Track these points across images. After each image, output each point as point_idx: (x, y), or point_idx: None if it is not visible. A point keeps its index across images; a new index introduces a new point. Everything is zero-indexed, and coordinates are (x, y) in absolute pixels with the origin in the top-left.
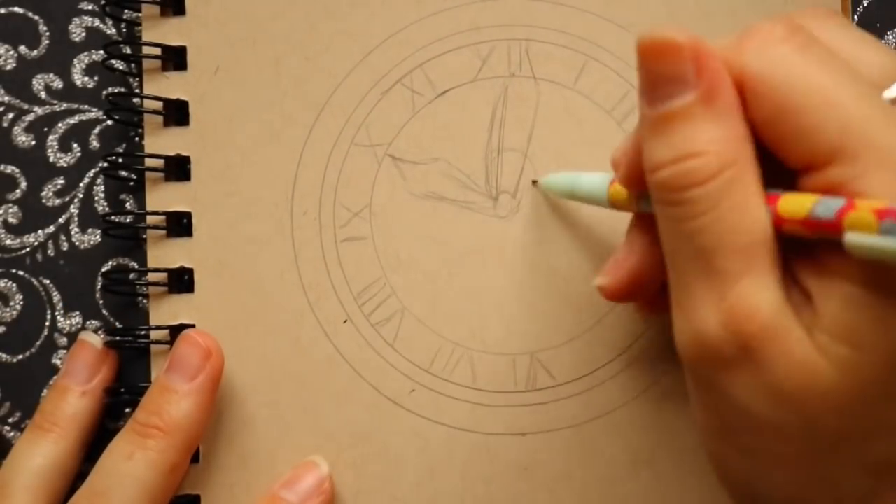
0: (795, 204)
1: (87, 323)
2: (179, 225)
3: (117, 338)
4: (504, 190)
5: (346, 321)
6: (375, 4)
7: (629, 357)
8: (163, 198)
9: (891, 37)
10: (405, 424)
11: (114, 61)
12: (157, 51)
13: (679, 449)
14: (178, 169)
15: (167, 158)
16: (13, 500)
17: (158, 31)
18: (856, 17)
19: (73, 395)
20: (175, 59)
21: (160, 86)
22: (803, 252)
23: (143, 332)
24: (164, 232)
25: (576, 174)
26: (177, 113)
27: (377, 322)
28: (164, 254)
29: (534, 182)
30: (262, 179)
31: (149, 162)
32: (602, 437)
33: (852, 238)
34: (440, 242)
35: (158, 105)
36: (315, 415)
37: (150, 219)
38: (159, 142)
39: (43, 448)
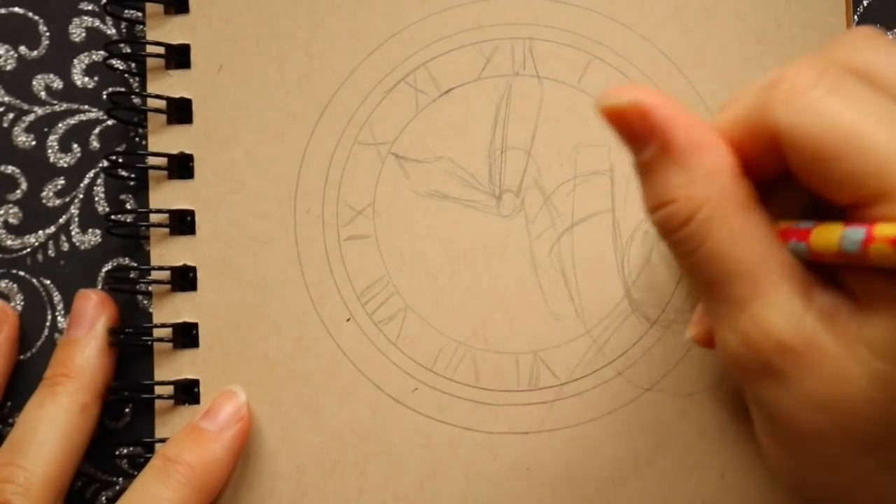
0: (825, 239)
1: None
2: (182, 223)
3: (120, 336)
4: (507, 188)
5: (348, 319)
6: (379, 3)
7: (632, 356)
8: (166, 196)
9: (891, 37)
10: (408, 423)
11: (114, 61)
12: (161, 49)
13: (681, 449)
14: (181, 167)
15: (170, 156)
16: (29, 457)
17: (162, 30)
18: (856, 17)
19: (79, 344)
20: (178, 57)
21: (163, 84)
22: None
23: (145, 331)
24: (167, 230)
25: None
26: (180, 111)
27: (380, 320)
28: (167, 252)
29: (645, 231)
30: (265, 177)
31: (152, 160)
32: (604, 436)
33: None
34: (443, 241)
35: (162, 103)
36: (317, 413)
37: (153, 217)
38: (163, 140)
39: (57, 401)
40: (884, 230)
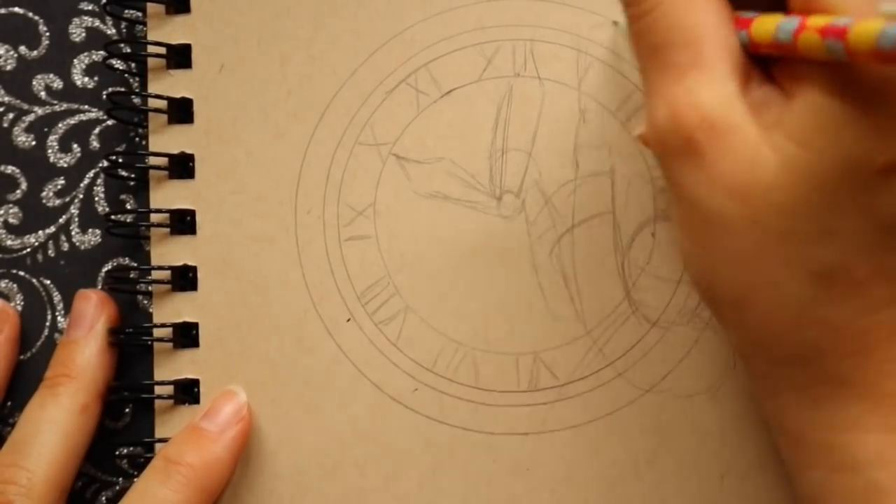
0: (763, 29)
1: None
2: (183, 223)
3: (121, 336)
4: (508, 190)
5: (349, 320)
6: (381, 3)
7: (632, 358)
8: (167, 196)
9: None
10: (408, 423)
11: (114, 61)
12: (162, 49)
13: (681, 450)
14: (181, 167)
15: (171, 156)
16: (31, 458)
17: (163, 30)
18: None
19: (79, 344)
20: (179, 56)
21: (165, 84)
22: (787, 61)
23: (146, 331)
24: (167, 230)
25: None
26: (181, 111)
27: (380, 321)
28: (168, 251)
29: (615, 23)
30: (266, 178)
31: (152, 160)
32: (604, 438)
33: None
34: (444, 242)
35: (163, 103)
36: (318, 413)
37: (153, 217)
38: (164, 140)
39: (58, 402)
40: (815, 21)
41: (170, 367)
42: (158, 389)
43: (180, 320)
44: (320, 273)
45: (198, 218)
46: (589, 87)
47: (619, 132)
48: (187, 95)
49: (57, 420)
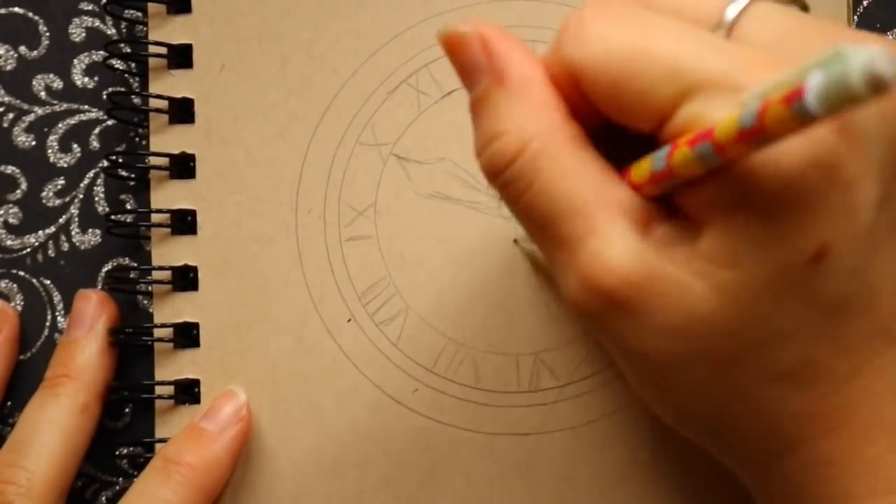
0: (641, 170)
1: None
2: (184, 223)
3: (121, 336)
4: None
5: (349, 320)
6: (382, 4)
7: None
8: (167, 196)
9: (891, 37)
10: (408, 424)
11: (114, 61)
12: (163, 49)
13: (681, 451)
14: (182, 167)
15: (172, 156)
16: (31, 458)
17: (164, 30)
18: (856, 17)
19: (79, 345)
20: (180, 56)
21: (165, 83)
22: (684, 190)
23: (146, 331)
24: (168, 230)
25: None
26: (182, 111)
27: (381, 321)
28: (169, 251)
29: (515, 241)
30: (267, 177)
31: (153, 160)
32: (604, 438)
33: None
34: (445, 242)
35: (163, 103)
36: (318, 413)
37: (154, 217)
38: (164, 139)
39: (58, 402)
40: (683, 137)
41: (170, 367)
42: (159, 389)
43: (181, 320)
44: (321, 273)
45: (198, 218)
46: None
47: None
48: (188, 95)
49: (57, 420)
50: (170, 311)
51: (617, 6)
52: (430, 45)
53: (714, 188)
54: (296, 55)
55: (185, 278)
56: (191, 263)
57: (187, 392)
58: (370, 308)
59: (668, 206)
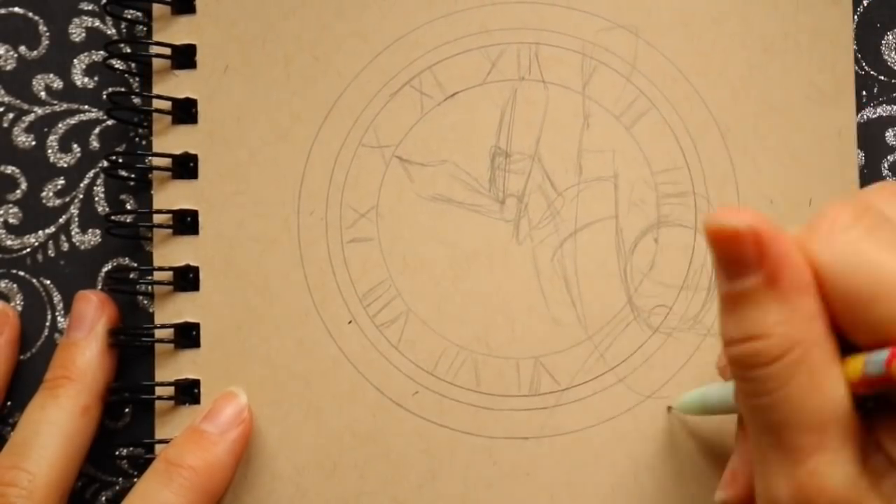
0: (851, 369)
1: None
2: (185, 223)
3: (121, 336)
4: (511, 193)
5: (350, 322)
6: (386, 6)
7: (633, 363)
8: (170, 196)
9: (891, 37)
10: (408, 426)
11: (115, 61)
12: (167, 50)
13: (680, 456)
14: (185, 167)
15: (174, 157)
16: (32, 460)
17: (169, 30)
18: (856, 17)
19: (80, 346)
20: (184, 57)
21: (169, 84)
22: (892, 421)
23: (147, 331)
24: (170, 230)
25: (703, 390)
26: (185, 111)
27: (382, 323)
28: (170, 252)
29: (669, 409)
30: (269, 178)
31: (156, 160)
32: (604, 443)
33: None
34: (446, 245)
35: (167, 104)
36: (318, 415)
37: (156, 217)
38: (168, 140)
39: (58, 403)
40: None
41: (170, 368)
42: (159, 390)
43: (181, 320)
44: (322, 275)
45: (200, 218)
46: (593, 91)
47: (622, 137)
48: (192, 96)
49: (57, 422)
50: (170, 311)
51: (875, 218)
52: (433, 47)
53: None
54: (299, 56)
55: (185, 279)
56: (192, 264)
57: (187, 392)
58: (371, 310)
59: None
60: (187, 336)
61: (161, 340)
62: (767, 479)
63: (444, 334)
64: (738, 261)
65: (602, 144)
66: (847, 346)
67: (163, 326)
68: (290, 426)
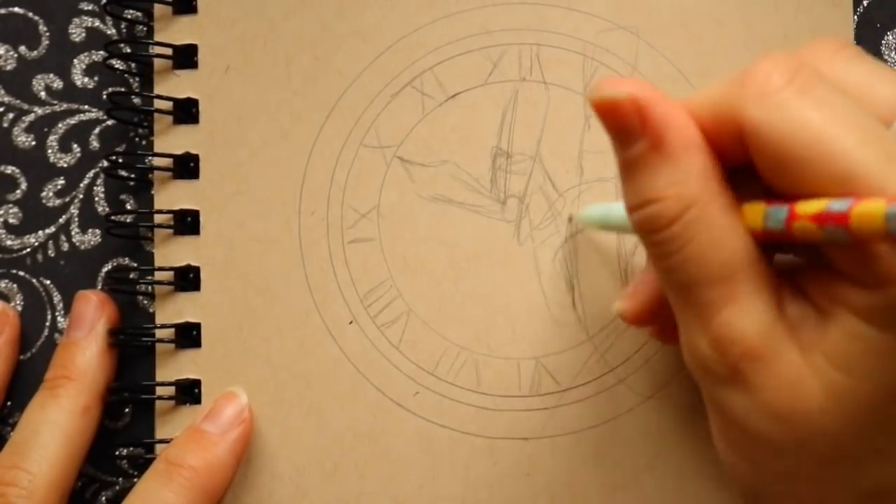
0: (751, 218)
1: None
2: (186, 223)
3: (121, 336)
4: (512, 194)
5: (351, 322)
6: (387, 6)
7: (634, 364)
8: (171, 195)
9: (891, 37)
10: (409, 427)
11: (115, 61)
12: (168, 50)
13: (681, 456)
14: (186, 167)
15: (176, 157)
16: (33, 460)
17: (170, 30)
18: (855, 17)
19: (80, 346)
20: (186, 57)
21: (170, 84)
22: (817, 274)
23: (148, 331)
24: (170, 230)
25: (608, 206)
26: (186, 111)
27: (383, 324)
28: (171, 252)
29: (569, 218)
30: (270, 179)
31: (157, 160)
32: (605, 443)
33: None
34: (447, 245)
35: (168, 104)
36: (318, 415)
37: (157, 217)
38: (169, 140)
39: (59, 403)
40: (805, 208)
41: (171, 368)
42: (159, 390)
43: (182, 320)
44: (323, 275)
45: (201, 218)
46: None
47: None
48: (193, 96)
49: (58, 422)
50: (171, 311)
51: (808, 78)
52: (434, 47)
53: (848, 289)
54: (301, 56)
55: (186, 279)
56: (193, 264)
57: (188, 393)
58: (372, 310)
59: (795, 288)
60: (188, 336)
61: (161, 340)
62: (688, 335)
63: (445, 335)
64: (624, 129)
65: (603, 145)
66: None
67: (163, 326)
68: (291, 426)
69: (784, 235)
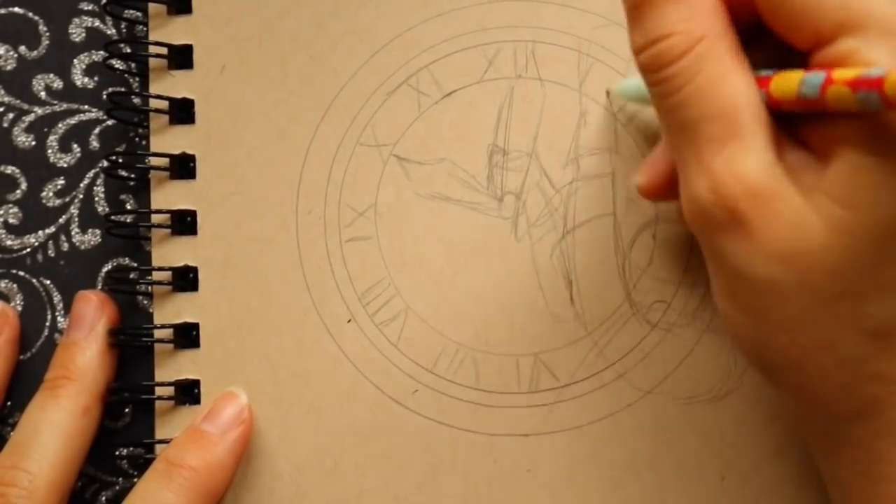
0: (785, 85)
1: None
2: (184, 223)
3: (121, 336)
4: (509, 191)
5: (350, 321)
6: (382, 4)
7: (633, 359)
8: (168, 196)
9: None
10: (408, 424)
11: (114, 61)
12: (163, 50)
13: (681, 451)
14: (183, 167)
15: (172, 157)
16: (33, 460)
17: (165, 30)
18: None
19: (80, 346)
20: (181, 57)
21: (166, 84)
22: (815, 123)
23: (147, 331)
24: (168, 231)
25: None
26: (183, 111)
27: (381, 322)
28: (169, 252)
29: (607, 93)
30: (267, 178)
31: (153, 160)
32: (604, 439)
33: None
34: (445, 243)
35: (164, 104)
36: (318, 414)
37: (154, 217)
38: (165, 140)
39: (59, 403)
40: (842, 74)
41: (170, 368)
42: (159, 390)
43: (181, 321)
44: (321, 274)
45: (199, 218)
46: (590, 88)
47: (620, 134)
48: (189, 96)
49: (58, 422)
50: (170, 311)
51: None
52: (430, 45)
53: (847, 127)
54: (296, 56)
55: (184, 279)
56: (191, 264)
57: (187, 393)
58: (370, 309)
59: (794, 135)
60: (187, 336)
61: (161, 340)
62: (688, 179)
63: (444, 332)
64: None
65: (599, 142)
66: (784, 60)
67: (162, 326)
68: (290, 425)
69: (816, 103)
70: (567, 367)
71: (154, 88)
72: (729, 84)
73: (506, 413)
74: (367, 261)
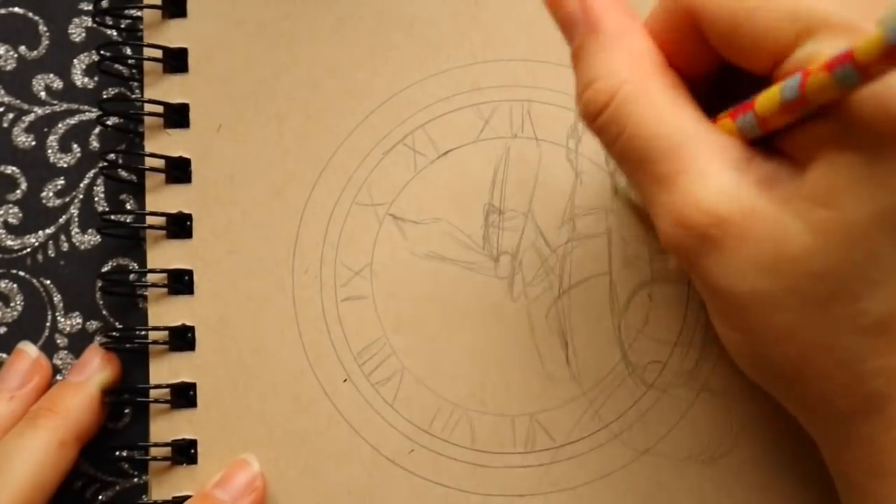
0: (768, 99)
1: (87, 323)
2: (181, 283)
3: (116, 396)
4: (504, 251)
5: (345, 380)
6: (378, 64)
7: (629, 419)
8: (165, 255)
9: None
10: (404, 484)
11: (114, 63)
12: (160, 108)
13: None
14: (180, 227)
15: (169, 216)
16: None
17: (161, 88)
18: None
19: (71, 387)
20: (177, 116)
21: (162, 143)
22: (789, 132)
23: (141, 333)
24: (165, 290)
25: None
26: (178, 170)
27: (377, 382)
28: (166, 311)
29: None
30: (263, 237)
31: (151, 220)
32: (600, 499)
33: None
34: (440, 302)
35: (160, 163)
36: (314, 473)
37: (151, 277)
38: (161, 199)
39: (36, 433)
40: (816, 63)
41: (167, 428)
42: (155, 451)
43: (178, 380)
44: (317, 333)
45: (195, 277)
46: (586, 148)
47: (615, 194)
48: (185, 155)
49: (31, 450)
50: (167, 371)
51: None
52: (425, 105)
53: (824, 127)
54: (292, 115)
55: (182, 338)
56: (188, 323)
57: (184, 453)
58: (366, 368)
59: (769, 149)
60: (184, 396)
61: (157, 401)
62: (655, 216)
63: (440, 392)
64: (568, 20)
65: (595, 201)
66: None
67: (158, 386)
68: (287, 484)
69: (798, 103)
70: (563, 427)
71: (150, 147)
72: (665, 123)
73: (501, 473)
74: (363, 320)
